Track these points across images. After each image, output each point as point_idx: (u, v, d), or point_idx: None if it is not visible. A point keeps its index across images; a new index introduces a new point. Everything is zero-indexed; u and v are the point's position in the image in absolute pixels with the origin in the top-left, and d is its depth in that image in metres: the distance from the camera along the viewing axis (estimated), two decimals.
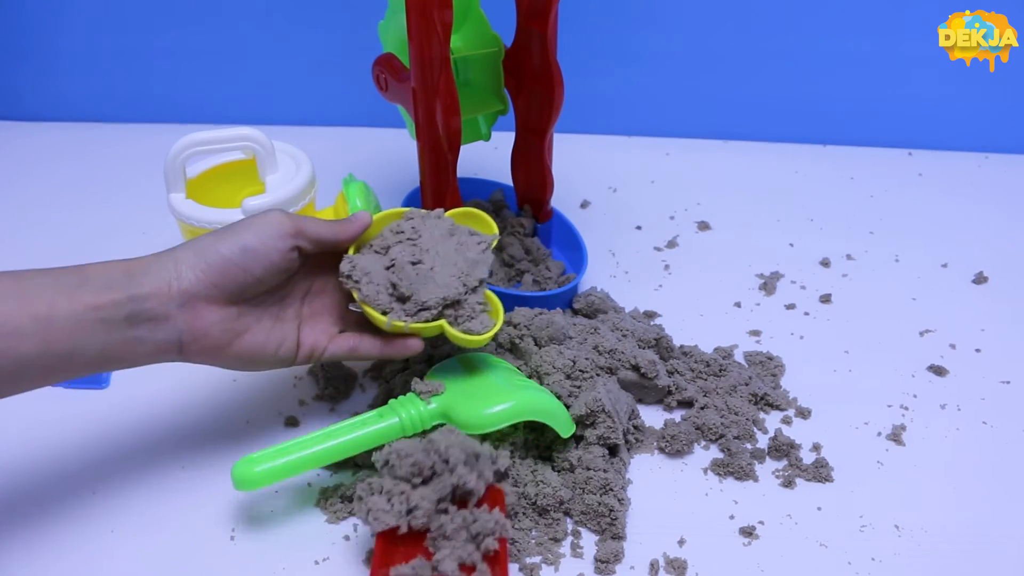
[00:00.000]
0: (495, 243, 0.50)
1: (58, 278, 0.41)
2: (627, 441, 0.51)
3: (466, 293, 0.47)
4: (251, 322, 0.45)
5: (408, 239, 0.48)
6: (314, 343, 0.48)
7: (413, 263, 0.47)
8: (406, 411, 0.46)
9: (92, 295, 0.41)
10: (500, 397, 0.47)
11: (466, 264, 0.48)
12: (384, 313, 0.46)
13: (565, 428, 0.49)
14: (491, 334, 0.47)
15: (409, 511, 0.41)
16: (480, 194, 0.71)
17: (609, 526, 0.46)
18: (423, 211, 0.50)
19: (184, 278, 0.43)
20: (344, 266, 0.47)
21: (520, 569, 0.44)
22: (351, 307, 0.50)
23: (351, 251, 0.48)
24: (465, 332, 0.46)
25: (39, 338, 0.39)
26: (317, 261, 0.48)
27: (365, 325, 0.49)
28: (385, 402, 0.53)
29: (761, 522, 0.47)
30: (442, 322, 0.46)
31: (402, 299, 0.46)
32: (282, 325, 0.47)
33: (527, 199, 0.68)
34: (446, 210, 0.51)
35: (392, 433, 0.46)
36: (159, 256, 0.44)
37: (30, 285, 0.40)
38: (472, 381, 0.49)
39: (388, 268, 0.47)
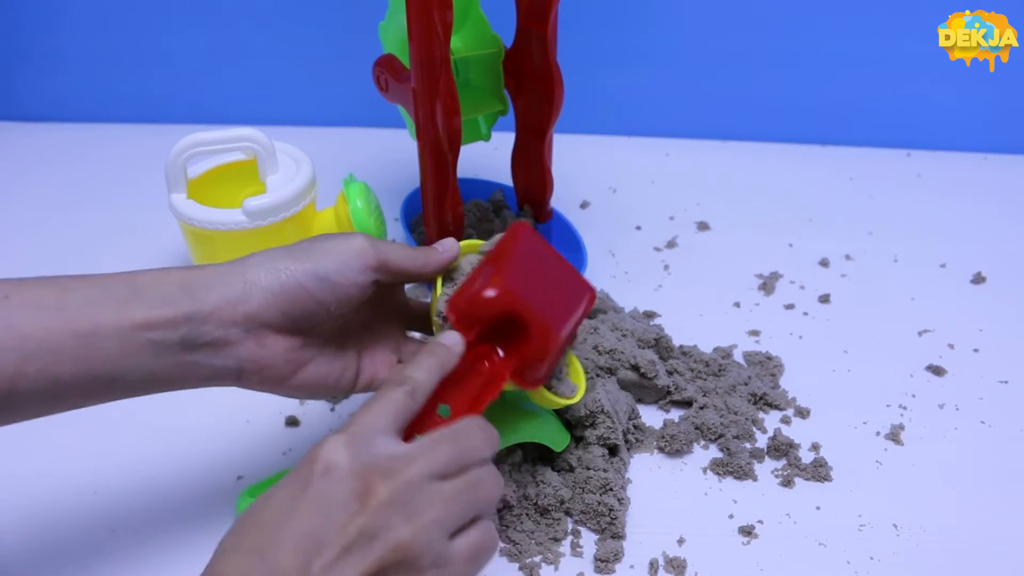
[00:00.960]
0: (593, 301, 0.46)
1: (105, 289, 0.36)
2: (627, 441, 0.51)
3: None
4: (314, 352, 0.41)
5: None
6: (374, 374, 0.44)
7: None
8: None
9: (143, 311, 0.36)
10: (497, 418, 0.47)
11: None
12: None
13: (559, 445, 0.48)
14: (578, 399, 0.45)
15: None
16: (480, 194, 0.71)
17: (609, 525, 0.46)
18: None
19: (253, 301, 0.38)
20: (442, 306, 0.42)
21: (520, 568, 0.44)
22: (410, 334, 0.47)
23: (438, 287, 0.43)
24: (555, 394, 0.43)
25: (79, 358, 0.35)
26: (383, 289, 0.43)
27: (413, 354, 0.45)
28: None
29: (760, 521, 0.47)
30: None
31: None
32: (343, 355, 0.43)
33: (527, 199, 0.68)
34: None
35: None
36: (225, 269, 0.39)
37: (72, 296, 0.35)
38: None
39: None
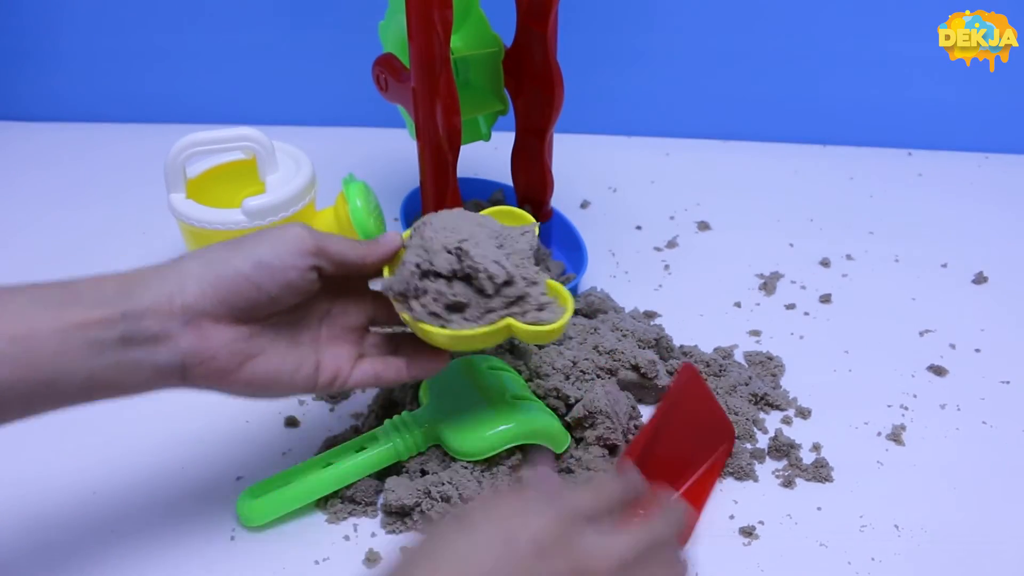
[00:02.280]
0: (537, 231, 0.45)
1: (41, 294, 0.36)
2: (627, 441, 0.51)
3: (527, 285, 0.42)
4: (264, 344, 0.40)
5: (444, 228, 0.43)
6: (337, 369, 0.43)
7: (455, 250, 0.42)
8: (400, 436, 0.47)
9: (80, 312, 0.35)
10: (497, 420, 0.47)
11: (516, 255, 0.43)
12: (442, 328, 0.41)
13: (559, 446, 0.49)
14: (564, 321, 0.42)
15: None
16: (480, 194, 0.71)
17: None
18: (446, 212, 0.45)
19: (188, 292, 0.38)
20: (377, 284, 0.43)
21: None
22: (373, 329, 0.46)
23: (385, 272, 0.44)
24: (536, 323, 0.42)
25: (17, 362, 0.34)
26: (337, 282, 0.44)
27: (384, 348, 0.45)
28: (385, 403, 0.53)
29: (761, 522, 0.47)
30: (508, 320, 0.41)
31: (458, 307, 0.42)
32: (298, 348, 0.42)
33: (527, 199, 0.68)
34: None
35: (387, 458, 0.47)
36: (161, 267, 0.39)
37: (7, 302, 0.35)
38: (467, 396, 0.49)
39: (426, 272, 0.42)
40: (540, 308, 0.42)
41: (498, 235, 0.44)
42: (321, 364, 0.43)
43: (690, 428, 0.49)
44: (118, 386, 0.37)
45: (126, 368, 0.37)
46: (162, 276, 0.38)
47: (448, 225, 0.43)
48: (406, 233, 0.45)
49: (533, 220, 0.47)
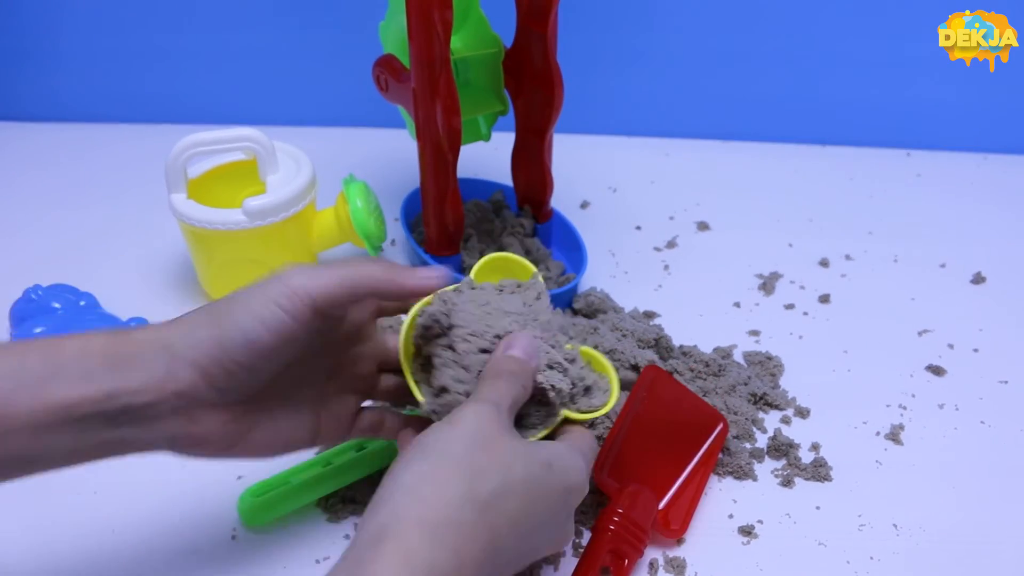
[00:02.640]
0: (542, 279, 0.43)
1: (20, 365, 0.33)
2: None
3: (574, 371, 0.40)
4: (259, 417, 0.37)
5: (473, 333, 0.39)
6: (336, 426, 0.41)
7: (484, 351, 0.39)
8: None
9: (63, 389, 0.32)
10: None
11: (549, 332, 0.41)
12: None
13: None
14: (614, 399, 0.41)
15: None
16: (480, 194, 0.71)
17: None
18: (449, 291, 0.40)
19: (181, 379, 0.34)
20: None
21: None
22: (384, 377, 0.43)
23: (408, 323, 0.40)
24: (588, 410, 0.41)
25: None
26: (346, 330, 0.40)
27: (393, 394, 0.43)
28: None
29: (760, 521, 0.47)
30: (565, 414, 0.40)
31: (516, 421, 0.38)
32: (297, 410, 0.39)
33: (527, 199, 0.68)
34: (467, 267, 0.45)
35: (387, 457, 0.47)
36: (147, 341, 0.34)
37: None
38: None
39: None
40: (587, 389, 0.42)
41: (523, 314, 0.41)
42: (321, 423, 0.40)
43: (670, 426, 0.49)
44: (102, 457, 0.35)
45: (111, 445, 0.34)
46: (153, 354, 0.34)
47: (473, 324, 0.39)
48: (425, 301, 0.40)
49: (533, 268, 0.45)
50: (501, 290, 0.43)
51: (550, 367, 0.39)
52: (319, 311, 0.35)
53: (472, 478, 0.32)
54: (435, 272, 0.38)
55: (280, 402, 0.38)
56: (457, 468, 0.32)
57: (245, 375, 0.35)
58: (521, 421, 0.39)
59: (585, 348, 0.44)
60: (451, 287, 0.40)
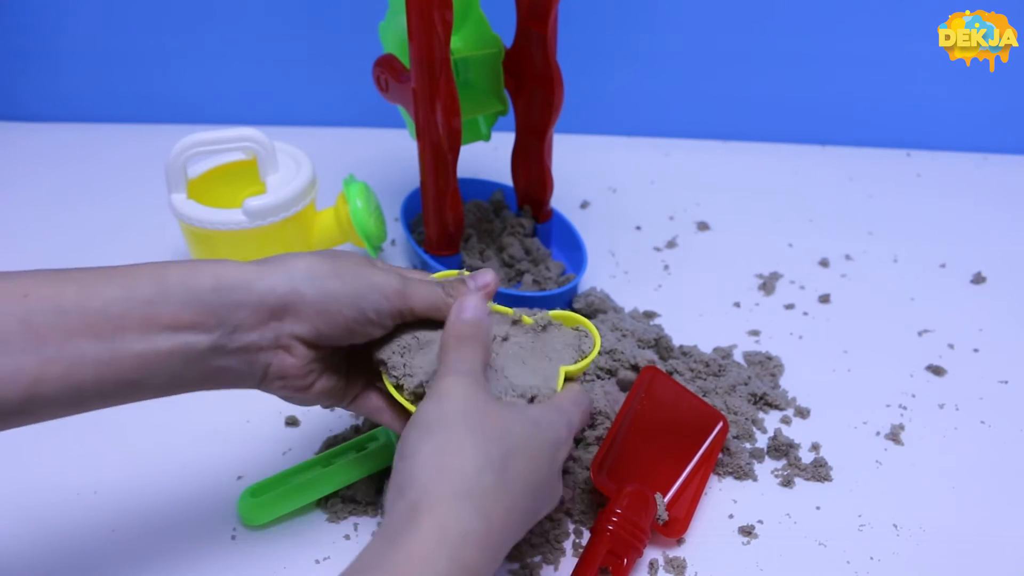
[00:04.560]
0: (598, 342, 0.44)
1: (130, 288, 0.34)
2: None
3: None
4: (324, 365, 0.41)
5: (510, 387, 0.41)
6: (349, 388, 0.43)
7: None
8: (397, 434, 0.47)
9: (171, 312, 0.34)
10: None
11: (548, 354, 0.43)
12: None
13: None
14: (598, 342, 0.43)
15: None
16: (480, 194, 0.71)
17: None
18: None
19: (293, 311, 0.37)
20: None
21: (520, 568, 0.44)
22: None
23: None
24: (581, 358, 0.43)
25: (102, 362, 0.33)
26: None
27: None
28: None
29: (760, 521, 0.47)
30: (562, 369, 0.42)
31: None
32: (338, 367, 0.42)
33: (527, 199, 0.68)
34: (467, 267, 0.47)
35: (388, 457, 0.47)
36: (263, 271, 0.37)
37: (95, 296, 0.33)
38: None
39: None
40: (574, 347, 0.44)
41: (531, 352, 0.43)
42: (350, 382, 0.43)
43: (669, 426, 0.49)
44: (200, 385, 0.37)
45: (210, 373, 0.36)
46: (267, 284, 0.37)
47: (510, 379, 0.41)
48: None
49: (586, 323, 0.45)
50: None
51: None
52: (403, 317, 0.40)
53: (483, 445, 0.34)
54: (480, 305, 0.39)
55: (336, 356, 0.42)
56: (467, 438, 0.34)
57: (343, 333, 0.39)
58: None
59: (555, 312, 0.45)
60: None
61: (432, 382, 0.38)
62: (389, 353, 0.41)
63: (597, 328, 0.45)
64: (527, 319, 0.44)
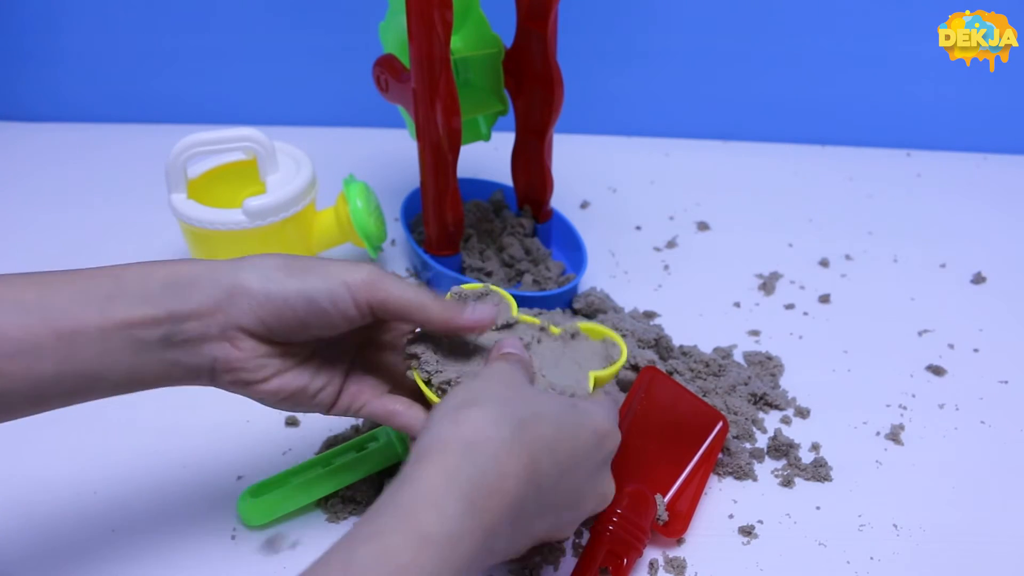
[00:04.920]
0: (623, 354, 0.44)
1: (87, 287, 0.36)
2: None
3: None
4: (293, 364, 0.40)
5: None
6: (354, 398, 0.43)
7: None
8: (400, 436, 0.47)
9: (125, 309, 0.36)
10: None
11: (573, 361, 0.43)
12: None
13: None
14: (624, 351, 0.43)
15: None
16: (480, 194, 0.71)
17: None
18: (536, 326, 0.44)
19: (236, 304, 0.37)
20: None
21: (521, 568, 0.44)
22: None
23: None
24: (610, 365, 0.43)
25: (60, 357, 0.34)
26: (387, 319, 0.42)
27: (415, 391, 0.43)
28: None
29: (760, 521, 0.47)
30: (591, 375, 0.42)
31: None
32: (328, 371, 0.42)
33: (527, 199, 0.68)
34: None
35: (387, 458, 0.47)
36: (213, 267, 0.38)
37: (54, 295, 0.35)
38: None
39: None
40: (603, 356, 0.44)
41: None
42: (344, 390, 0.43)
43: (669, 427, 0.49)
44: (154, 381, 0.38)
45: (163, 366, 0.37)
46: (213, 279, 0.38)
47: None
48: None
49: (614, 336, 0.45)
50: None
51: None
52: (375, 313, 0.39)
53: (505, 404, 0.34)
54: (484, 312, 0.41)
55: (316, 358, 0.42)
56: (490, 397, 0.35)
57: (295, 325, 0.39)
58: None
59: (582, 324, 0.45)
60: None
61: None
62: (422, 348, 0.41)
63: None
64: (555, 329, 0.45)
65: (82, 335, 0.35)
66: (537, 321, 0.45)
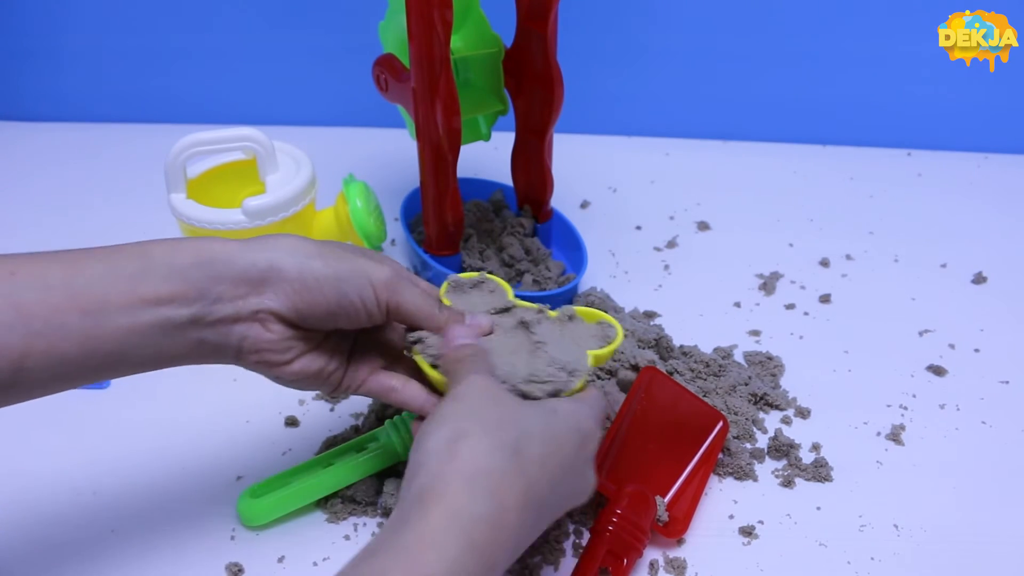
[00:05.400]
0: (620, 334, 0.44)
1: (115, 264, 0.35)
2: None
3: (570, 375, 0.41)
4: (312, 346, 0.41)
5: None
6: (354, 376, 0.43)
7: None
8: (400, 437, 0.47)
9: (153, 286, 0.35)
10: None
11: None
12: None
13: None
14: (620, 332, 0.44)
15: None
16: (480, 194, 0.71)
17: None
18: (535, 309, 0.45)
19: (271, 287, 0.38)
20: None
21: (521, 568, 0.44)
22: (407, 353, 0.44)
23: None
24: (608, 344, 0.43)
25: (87, 336, 0.34)
26: None
27: (411, 367, 0.44)
28: (384, 404, 0.53)
29: (761, 522, 0.47)
30: (589, 353, 0.42)
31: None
32: (338, 352, 0.43)
33: (527, 199, 0.68)
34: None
35: (387, 458, 0.47)
36: (246, 247, 0.38)
37: (80, 272, 0.35)
38: None
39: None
40: (599, 336, 0.44)
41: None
42: (347, 371, 0.43)
43: (668, 427, 0.49)
44: (180, 359, 0.38)
45: (190, 344, 0.37)
46: (248, 258, 0.37)
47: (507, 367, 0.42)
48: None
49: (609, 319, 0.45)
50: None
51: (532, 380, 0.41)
52: (391, 314, 0.41)
53: (495, 430, 0.34)
54: (481, 321, 0.43)
55: (328, 340, 0.42)
56: (479, 424, 0.34)
57: (324, 315, 0.39)
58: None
59: (578, 308, 0.45)
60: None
61: (448, 389, 0.38)
62: (425, 333, 0.42)
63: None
64: (552, 312, 0.45)
65: (108, 313, 0.34)
66: (535, 306, 0.45)
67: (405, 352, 0.43)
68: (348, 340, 0.44)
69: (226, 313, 0.37)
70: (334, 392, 0.43)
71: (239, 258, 0.37)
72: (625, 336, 0.57)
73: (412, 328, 0.43)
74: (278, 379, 0.41)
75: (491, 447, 0.33)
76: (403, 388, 0.43)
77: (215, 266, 0.37)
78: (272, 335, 0.39)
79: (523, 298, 0.59)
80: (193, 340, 0.37)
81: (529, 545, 0.35)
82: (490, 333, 0.43)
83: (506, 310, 0.45)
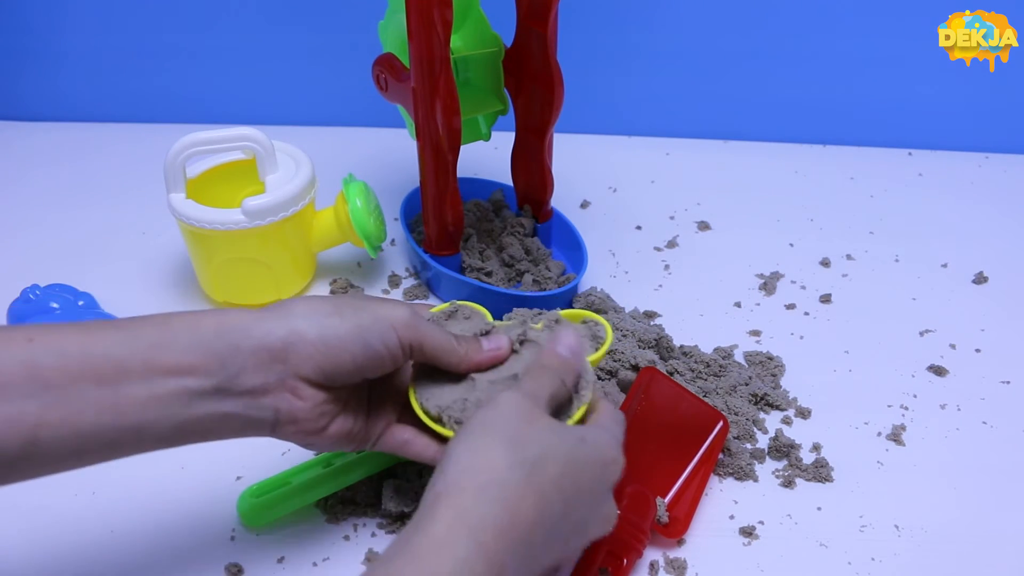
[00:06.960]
0: (609, 335, 0.44)
1: (134, 333, 0.34)
2: None
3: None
4: (340, 407, 0.40)
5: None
6: (373, 429, 0.42)
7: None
8: None
9: (174, 355, 0.34)
10: None
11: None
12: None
13: None
14: (610, 332, 0.44)
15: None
16: (480, 194, 0.71)
17: None
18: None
19: (295, 352, 0.37)
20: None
21: None
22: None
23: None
24: (599, 346, 0.44)
25: (104, 406, 0.33)
26: None
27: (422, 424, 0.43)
28: None
29: (761, 522, 0.47)
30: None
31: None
32: (358, 410, 0.42)
33: (527, 199, 0.68)
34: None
35: (387, 459, 0.47)
36: (264, 315, 0.37)
37: (98, 341, 0.33)
38: None
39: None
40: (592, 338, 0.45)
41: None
42: (368, 424, 0.42)
43: (668, 427, 0.49)
44: (207, 434, 0.37)
45: (216, 419, 0.36)
46: (267, 327, 0.37)
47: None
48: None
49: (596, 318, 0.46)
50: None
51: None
52: (413, 354, 0.40)
53: (516, 446, 0.34)
54: (499, 342, 0.42)
55: (353, 398, 0.41)
56: (502, 439, 0.34)
57: (351, 369, 0.38)
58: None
59: (562, 312, 0.46)
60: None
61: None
62: (420, 380, 0.42)
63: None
64: (537, 325, 0.45)
65: (126, 382, 0.33)
66: (516, 323, 0.45)
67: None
68: (365, 394, 0.43)
69: (254, 384, 0.36)
70: (358, 448, 0.43)
71: (255, 327, 0.37)
72: (624, 336, 0.57)
73: (416, 377, 0.42)
74: (312, 446, 0.41)
75: (510, 462, 0.33)
76: (415, 439, 0.43)
77: (234, 335, 0.36)
78: (304, 402, 0.38)
79: (523, 299, 0.59)
80: (219, 413, 0.36)
81: (546, 564, 0.35)
82: (512, 352, 0.43)
83: (485, 334, 0.44)
